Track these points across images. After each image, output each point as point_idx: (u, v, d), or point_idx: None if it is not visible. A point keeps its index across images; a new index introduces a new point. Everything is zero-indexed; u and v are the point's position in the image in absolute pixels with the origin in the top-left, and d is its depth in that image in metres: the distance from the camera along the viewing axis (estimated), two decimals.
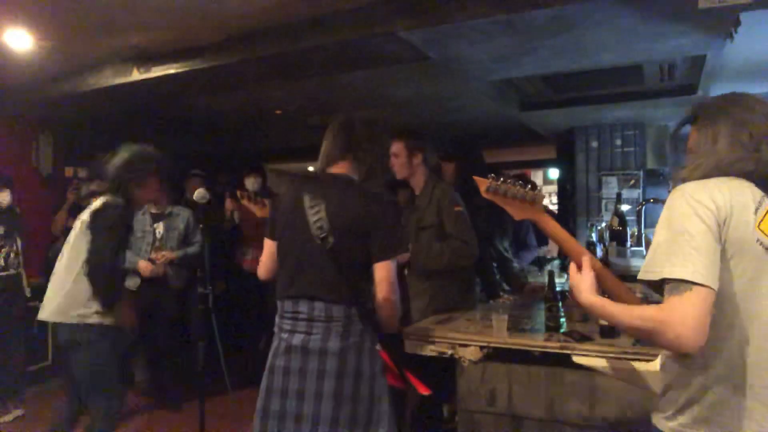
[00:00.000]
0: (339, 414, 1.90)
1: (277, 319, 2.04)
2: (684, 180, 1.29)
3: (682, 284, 1.15)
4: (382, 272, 1.93)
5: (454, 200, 2.92)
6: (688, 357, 1.23)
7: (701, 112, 1.38)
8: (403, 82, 4.39)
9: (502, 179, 1.50)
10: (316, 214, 1.94)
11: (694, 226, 1.18)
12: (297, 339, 1.94)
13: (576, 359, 1.86)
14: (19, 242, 4.23)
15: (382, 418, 1.97)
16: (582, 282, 1.38)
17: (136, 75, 3.89)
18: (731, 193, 1.22)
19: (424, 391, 2.02)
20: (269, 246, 2.13)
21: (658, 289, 1.22)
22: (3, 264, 4.11)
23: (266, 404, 1.98)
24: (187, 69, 3.71)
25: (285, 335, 1.97)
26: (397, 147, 2.99)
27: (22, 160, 5.08)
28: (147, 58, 3.82)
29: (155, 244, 4.10)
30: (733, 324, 1.21)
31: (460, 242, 2.85)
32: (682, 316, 1.13)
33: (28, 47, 3.46)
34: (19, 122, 5.02)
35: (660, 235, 1.23)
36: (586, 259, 1.42)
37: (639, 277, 1.26)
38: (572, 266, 1.44)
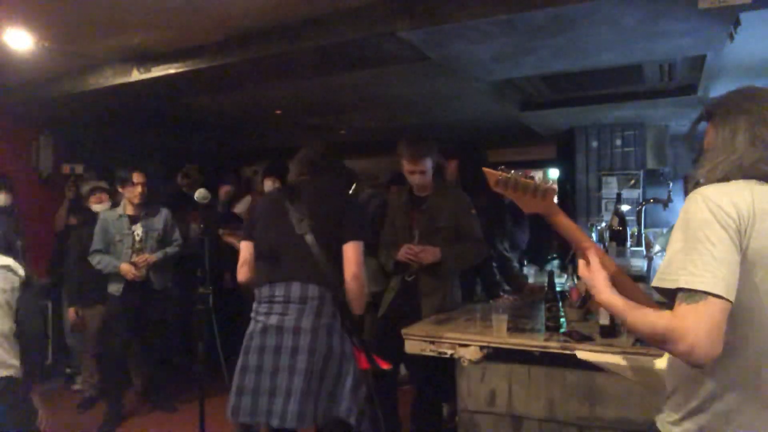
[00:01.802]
0: (309, 387, 2.09)
1: (254, 306, 2.26)
2: (701, 181, 1.24)
3: (698, 294, 1.10)
4: (351, 251, 2.22)
5: (469, 204, 3.03)
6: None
7: (717, 108, 1.33)
8: (403, 82, 4.38)
9: (513, 171, 1.48)
10: (297, 212, 2.25)
11: (714, 233, 1.13)
12: (273, 319, 2.17)
13: (579, 354, 1.84)
14: (18, 244, 4.23)
15: (345, 397, 2.16)
16: (595, 279, 1.34)
17: (136, 75, 3.89)
18: (753, 199, 1.17)
19: (385, 366, 2.28)
20: (247, 247, 2.37)
21: (671, 297, 1.17)
22: None
23: (240, 382, 2.17)
24: (187, 69, 3.70)
25: (261, 317, 2.20)
26: (426, 163, 2.95)
27: (22, 160, 5.08)
28: (147, 58, 3.82)
29: (135, 246, 4.01)
30: (749, 334, 1.18)
31: (478, 242, 3.01)
32: (697, 328, 1.08)
33: (28, 47, 3.45)
34: (19, 122, 5.02)
35: (677, 241, 1.18)
36: (591, 252, 1.38)
37: (653, 284, 1.22)
38: (581, 262, 1.40)
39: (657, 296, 1.27)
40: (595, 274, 1.35)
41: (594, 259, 1.37)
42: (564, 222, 1.46)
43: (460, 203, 3.01)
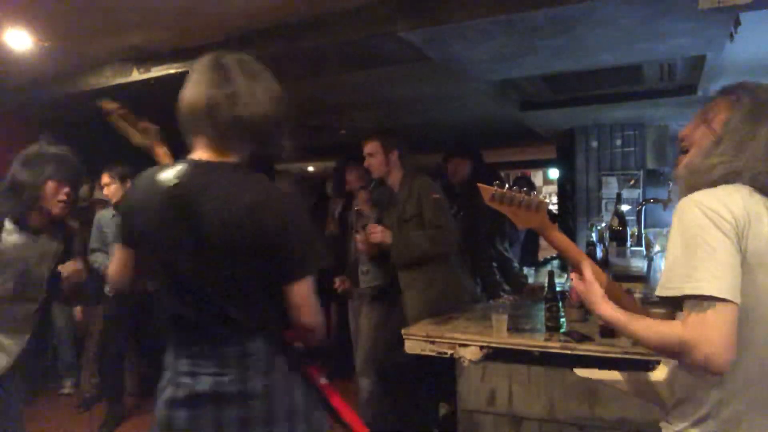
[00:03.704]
0: None
1: (167, 357, 1.50)
2: (697, 176, 1.22)
3: (707, 300, 1.08)
4: (300, 294, 1.41)
5: (431, 188, 2.95)
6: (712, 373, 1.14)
7: (744, 95, 1.25)
8: (403, 82, 4.38)
9: (507, 186, 1.49)
10: (196, 226, 1.36)
11: (714, 238, 1.12)
12: (203, 383, 1.41)
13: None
14: None
15: None
16: (591, 293, 1.31)
17: (136, 75, 3.89)
18: (745, 203, 1.16)
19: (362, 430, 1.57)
20: (122, 254, 1.56)
21: (676, 306, 1.16)
22: None
23: None
24: (187, 69, 3.68)
25: (185, 379, 1.43)
26: (372, 146, 3.01)
27: None
28: (147, 58, 3.81)
29: None
30: (751, 338, 1.16)
31: (435, 229, 2.85)
32: (710, 335, 1.06)
33: (28, 47, 3.45)
34: (19, 122, 5.02)
35: (676, 248, 1.16)
36: (585, 264, 1.36)
37: (657, 293, 1.19)
38: (574, 275, 1.39)
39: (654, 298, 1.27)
40: (589, 287, 1.33)
41: (587, 272, 1.35)
42: (557, 237, 1.45)
43: (421, 190, 2.95)
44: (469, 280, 3.27)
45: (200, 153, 1.46)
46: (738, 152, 1.21)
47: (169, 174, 1.43)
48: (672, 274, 1.16)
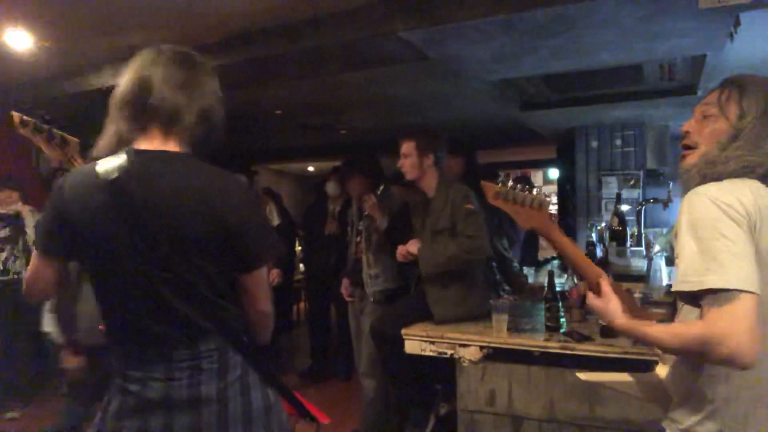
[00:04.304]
0: None
1: (116, 363, 1.40)
2: (712, 168, 1.21)
3: (729, 293, 1.05)
4: (256, 282, 1.38)
5: (466, 198, 2.78)
6: (743, 368, 1.10)
7: (759, 90, 1.26)
8: (403, 82, 4.39)
9: (510, 184, 1.47)
10: (144, 221, 1.27)
11: (731, 230, 1.10)
12: (153, 390, 1.33)
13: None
14: (21, 244, 4.25)
15: None
16: (609, 304, 1.30)
17: None
18: (755, 197, 1.15)
19: (324, 420, 1.59)
20: (46, 263, 1.39)
21: (692, 301, 1.13)
22: (1, 268, 4.13)
23: None
24: None
25: (133, 387, 1.34)
26: (407, 147, 2.84)
27: (22, 161, 5.08)
28: None
29: None
30: (761, 333, 1.12)
31: (464, 238, 2.71)
32: (735, 328, 1.04)
33: (28, 47, 3.46)
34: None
35: (690, 243, 1.13)
36: (605, 282, 1.34)
37: (674, 288, 1.16)
38: (590, 294, 1.36)
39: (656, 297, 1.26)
40: (608, 299, 1.31)
41: (606, 288, 1.33)
42: (560, 238, 1.40)
43: (456, 200, 2.80)
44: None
45: (142, 143, 1.36)
46: (755, 148, 1.21)
47: (108, 166, 1.31)
48: (690, 268, 1.12)
